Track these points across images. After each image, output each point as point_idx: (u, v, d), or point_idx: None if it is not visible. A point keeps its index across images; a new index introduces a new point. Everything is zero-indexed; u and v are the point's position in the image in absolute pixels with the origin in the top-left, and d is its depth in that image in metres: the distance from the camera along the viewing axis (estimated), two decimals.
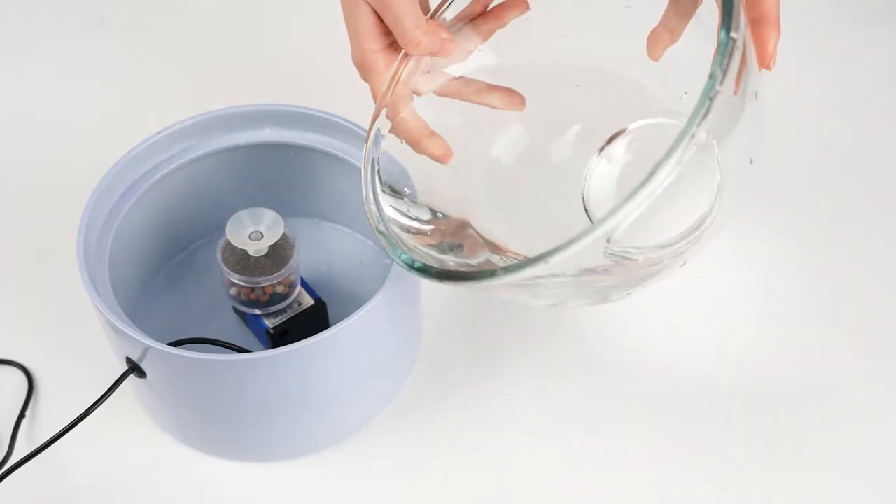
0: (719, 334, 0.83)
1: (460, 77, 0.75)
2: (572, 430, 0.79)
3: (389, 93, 0.71)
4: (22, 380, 0.82)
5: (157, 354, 0.69)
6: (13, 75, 1.04)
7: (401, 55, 0.71)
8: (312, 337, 0.69)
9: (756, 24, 0.63)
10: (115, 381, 0.72)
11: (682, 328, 0.84)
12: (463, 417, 0.80)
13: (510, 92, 0.75)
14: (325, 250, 0.87)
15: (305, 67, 1.00)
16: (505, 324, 0.84)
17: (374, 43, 0.70)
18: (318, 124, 0.81)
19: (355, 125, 0.79)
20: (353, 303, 0.78)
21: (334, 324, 0.69)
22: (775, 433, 0.78)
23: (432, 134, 0.72)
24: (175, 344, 0.72)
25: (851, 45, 1.03)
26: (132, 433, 0.79)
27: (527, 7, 0.73)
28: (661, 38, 0.70)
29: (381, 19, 0.69)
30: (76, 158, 0.93)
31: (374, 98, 0.72)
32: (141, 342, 0.69)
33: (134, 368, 0.72)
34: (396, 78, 0.71)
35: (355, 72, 0.72)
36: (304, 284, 0.82)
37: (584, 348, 0.83)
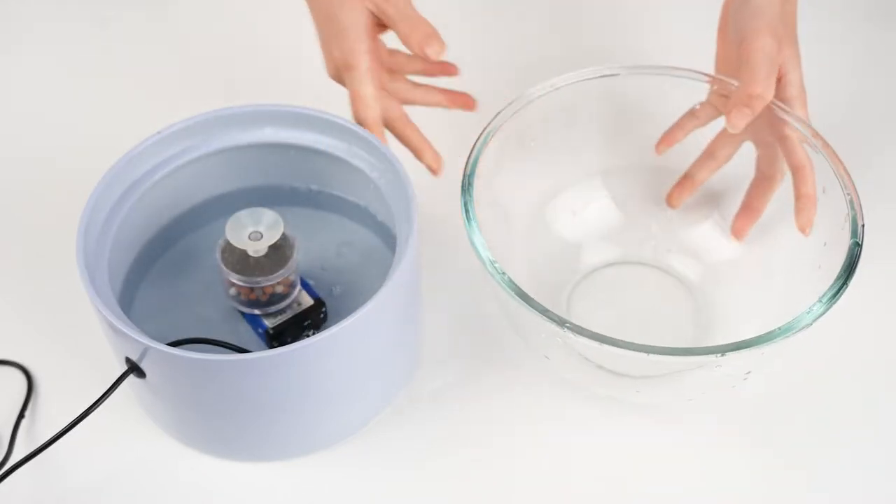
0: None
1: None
2: (573, 430, 0.79)
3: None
4: (22, 380, 0.82)
5: (156, 354, 0.69)
6: (13, 75, 1.04)
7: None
8: (312, 337, 0.69)
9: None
10: (114, 381, 0.72)
11: (678, 327, 0.84)
12: (462, 418, 0.80)
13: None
14: (324, 250, 0.86)
15: (306, 68, 1.00)
16: (505, 324, 0.84)
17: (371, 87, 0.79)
18: (318, 124, 0.81)
19: (355, 125, 0.79)
20: (353, 302, 0.78)
21: (334, 324, 0.69)
22: (777, 433, 0.79)
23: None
24: (175, 344, 0.72)
25: (853, 46, 1.03)
26: (132, 433, 0.79)
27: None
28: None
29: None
30: (76, 158, 0.93)
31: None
32: (141, 342, 0.69)
33: (134, 368, 0.72)
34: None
35: None
36: (304, 284, 0.82)
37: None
